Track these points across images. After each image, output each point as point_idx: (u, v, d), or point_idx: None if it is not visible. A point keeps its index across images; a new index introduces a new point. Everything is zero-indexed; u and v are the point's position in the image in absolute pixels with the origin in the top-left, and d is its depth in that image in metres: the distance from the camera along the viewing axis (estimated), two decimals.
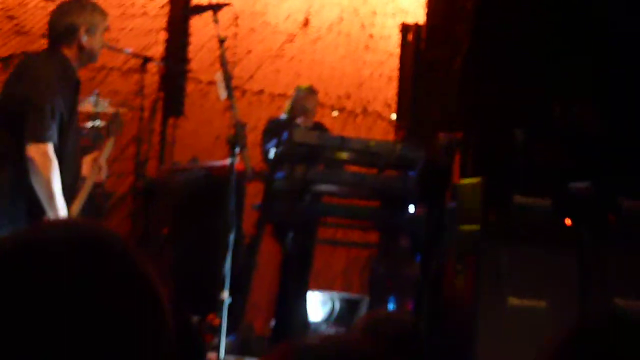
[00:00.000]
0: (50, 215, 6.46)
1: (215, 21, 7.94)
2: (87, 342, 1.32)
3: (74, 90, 6.81)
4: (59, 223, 1.68)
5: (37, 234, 1.51)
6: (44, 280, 1.41)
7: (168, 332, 1.50)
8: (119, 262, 1.43)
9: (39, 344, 1.37)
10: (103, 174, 7.19)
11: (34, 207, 6.43)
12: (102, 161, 7.10)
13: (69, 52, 6.65)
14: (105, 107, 8.85)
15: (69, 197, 6.72)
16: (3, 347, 1.37)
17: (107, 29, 7.09)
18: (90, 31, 6.70)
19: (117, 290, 1.41)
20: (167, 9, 10.40)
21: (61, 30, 6.76)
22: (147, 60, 9.14)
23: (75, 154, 6.90)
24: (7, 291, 1.36)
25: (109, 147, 7.59)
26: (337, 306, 9.96)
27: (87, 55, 6.79)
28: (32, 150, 6.48)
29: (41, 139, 6.50)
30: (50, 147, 6.49)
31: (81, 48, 6.71)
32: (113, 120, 8.37)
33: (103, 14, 6.96)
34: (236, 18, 9.42)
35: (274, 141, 8.76)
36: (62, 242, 1.46)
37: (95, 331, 1.34)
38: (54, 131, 6.54)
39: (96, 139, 8.86)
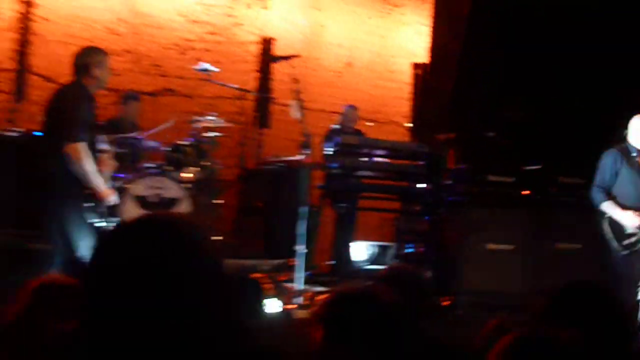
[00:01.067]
0: (92, 187, 6.71)
1: (292, 66, 8.53)
2: (171, 282, 1.66)
3: (92, 105, 7.02)
4: (162, 215, 1.88)
5: (151, 218, 1.86)
6: (155, 245, 1.75)
7: (223, 278, 1.81)
8: (189, 235, 1.74)
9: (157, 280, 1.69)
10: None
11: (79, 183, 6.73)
12: None
13: (87, 81, 6.94)
14: (221, 123, 8.85)
15: None
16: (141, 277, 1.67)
17: (109, 65, 7.18)
18: (98, 67, 6.97)
19: (185, 251, 1.73)
20: (259, 59, 10.76)
21: (80, 67, 7.01)
22: (246, 91, 9.50)
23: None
24: (138, 250, 1.68)
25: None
26: (374, 250, 10.40)
27: (98, 83, 7.05)
28: (67, 148, 6.71)
29: (73, 140, 6.79)
30: (81, 145, 6.76)
31: (94, 78, 6.99)
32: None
33: (105, 54, 7.19)
34: (302, 62, 9.96)
35: (330, 143, 9.03)
36: (164, 222, 1.80)
37: (175, 274, 1.68)
38: (84, 133, 6.85)
39: (213, 144, 9.01)
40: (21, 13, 9.98)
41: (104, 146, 7.56)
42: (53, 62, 9.98)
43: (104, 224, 7.41)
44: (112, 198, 7.05)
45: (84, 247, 6.76)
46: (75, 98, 7.02)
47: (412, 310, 3.02)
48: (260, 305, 7.14)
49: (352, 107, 10.22)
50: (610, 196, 7.23)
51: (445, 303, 8.42)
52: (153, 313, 1.71)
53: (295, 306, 7.70)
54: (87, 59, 7.09)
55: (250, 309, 6.98)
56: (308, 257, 8.13)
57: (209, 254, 1.82)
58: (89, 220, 6.96)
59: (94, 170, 6.74)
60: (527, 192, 9.18)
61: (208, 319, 1.78)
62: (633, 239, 7.14)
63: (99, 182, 6.78)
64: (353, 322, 2.70)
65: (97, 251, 1.81)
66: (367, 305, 2.74)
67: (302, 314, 7.56)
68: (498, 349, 2.26)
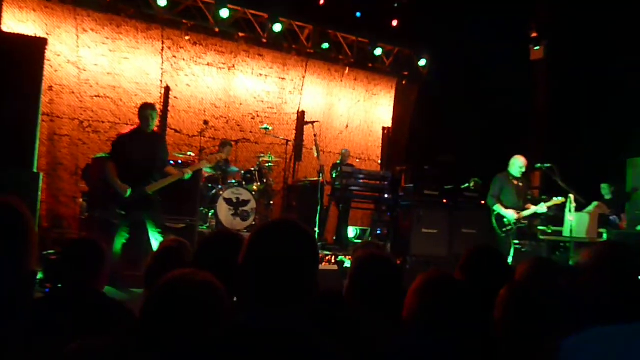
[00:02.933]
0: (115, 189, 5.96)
1: (312, 127, 8.28)
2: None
3: (141, 139, 6.22)
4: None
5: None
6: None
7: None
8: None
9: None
10: (186, 176, 6.38)
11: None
12: (188, 170, 6.43)
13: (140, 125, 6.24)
14: (273, 158, 9.02)
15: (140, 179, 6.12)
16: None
17: (152, 115, 6.33)
18: (144, 117, 6.23)
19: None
20: (296, 123, 10.74)
21: (138, 116, 6.29)
22: (288, 141, 9.38)
23: (139, 160, 6.12)
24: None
25: (200, 165, 7.10)
26: (359, 232, 10.13)
27: (144, 126, 6.23)
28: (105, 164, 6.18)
29: (107, 159, 6.29)
30: (109, 162, 6.14)
31: (142, 123, 6.18)
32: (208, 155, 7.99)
33: (151, 108, 6.39)
34: (320, 125, 9.82)
35: (334, 170, 9.18)
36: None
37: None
38: (115, 153, 6.20)
39: (269, 170, 9.10)
40: (163, 94, 10.05)
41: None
42: (180, 121, 10.18)
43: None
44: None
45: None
46: (119, 136, 6.62)
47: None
48: None
49: (347, 151, 10.18)
50: (499, 201, 7.42)
51: (399, 261, 8.31)
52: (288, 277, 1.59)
53: None
54: (141, 111, 6.42)
55: None
56: (320, 235, 8.16)
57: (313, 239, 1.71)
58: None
59: (113, 179, 6.01)
60: (445, 200, 9.11)
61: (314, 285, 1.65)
62: (509, 227, 7.39)
63: (117, 186, 6.01)
64: (370, 277, 2.53)
65: (252, 243, 1.66)
66: (380, 264, 2.59)
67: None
68: (415, 284, 2.16)
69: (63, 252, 2.89)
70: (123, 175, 6.03)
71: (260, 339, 1.50)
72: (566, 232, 7.53)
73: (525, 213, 7.36)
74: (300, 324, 1.57)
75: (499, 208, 7.42)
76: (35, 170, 6.28)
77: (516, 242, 7.57)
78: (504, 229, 7.43)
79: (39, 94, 6.71)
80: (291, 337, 1.53)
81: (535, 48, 11.07)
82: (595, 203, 8.66)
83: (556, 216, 8.08)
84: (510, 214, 7.35)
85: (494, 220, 7.50)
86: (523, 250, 7.85)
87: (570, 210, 7.43)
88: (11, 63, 6.44)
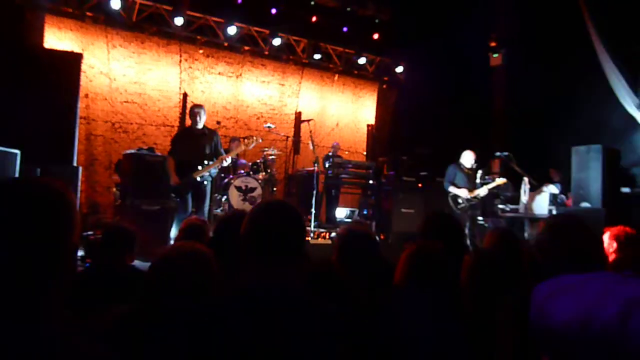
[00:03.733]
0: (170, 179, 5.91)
1: (308, 125, 8.45)
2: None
3: (188, 138, 6.18)
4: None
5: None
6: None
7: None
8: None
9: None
10: (225, 164, 6.36)
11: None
12: (226, 158, 6.28)
13: (191, 123, 6.19)
14: (276, 152, 8.90)
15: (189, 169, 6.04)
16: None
17: (199, 113, 6.22)
18: (192, 115, 6.18)
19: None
20: (294, 121, 10.63)
21: (189, 116, 6.26)
22: (287, 137, 9.31)
23: (188, 153, 6.03)
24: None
25: (233, 152, 7.10)
26: (348, 212, 10.02)
27: (193, 123, 6.18)
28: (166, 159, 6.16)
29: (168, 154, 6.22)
30: (168, 157, 6.13)
31: (192, 121, 6.15)
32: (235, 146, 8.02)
33: (198, 107, 6.29)
34: (314, 123, 9.72)
35: (327, 161, 9.05)
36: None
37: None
38: (172, 150, 6.16)
39: (272, 162, 8.84)
40: (181, 99, 9.99)
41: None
42: None
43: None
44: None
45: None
46: (176, 135, 6.67)
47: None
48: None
49: (337, 144, 10.09)
50: (453, 184, 7.47)
51: (382, 237, 8.47)
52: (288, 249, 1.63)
53: (309, 238, 7.61)
54: (192, 109, 6.38)
55: None
56: (316, 216, 8.06)
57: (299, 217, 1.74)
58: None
59: (171, 169, 6.02)
60: (420, 185, 9.23)
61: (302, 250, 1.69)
62: (462, 204, 7.43)
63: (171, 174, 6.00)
64: (353, 247, 2.53)
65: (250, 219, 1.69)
66: (360, 237, 2.60)
67: (314, 241, 7.59)
68: (403, 256, 2.19)
69: (102, 234, 2.98)
70: (178, 166, 6.04)
71: (262, 295, 1.53)
72: (522, 209, 7.61)
73: (475, 193, 7.42)
74: (294, 280, 1.60)
75: (453, 189, 7.48)
76: (75, 165, 6.32)
77: (480, 218, 7.64)
78: (459, 207, 7.46)
79: (77, 101, 6.75)
80: (287, 292, 1.55)
81: (494, 55, 11.05)
82: (546, 185, 8.69)
83: (514, 196, 8.14)
84: (462, 192, 7.41)
85: (450, 201, 7.53)
86: (486, 225, 7.93)
87: (524, 192, 7.51)
88: (53, 74, 6.48)
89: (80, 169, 6.29)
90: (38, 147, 5.26)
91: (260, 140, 7.12)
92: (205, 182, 6.19)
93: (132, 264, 2.95)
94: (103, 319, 1.67)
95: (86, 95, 9.04)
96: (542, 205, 7.66)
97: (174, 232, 5.91)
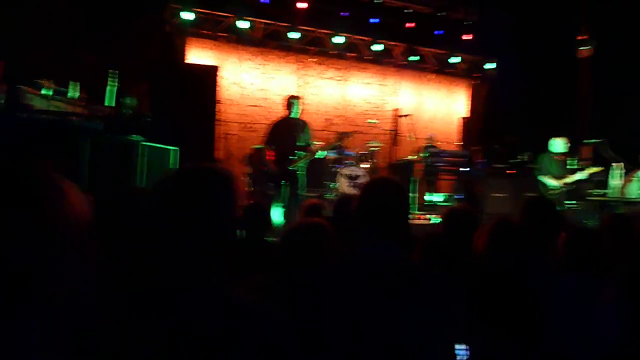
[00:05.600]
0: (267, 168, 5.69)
1: (407, 119, 8.30)
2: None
3: (283, 127, 5.79)
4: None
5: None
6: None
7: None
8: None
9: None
10: (317, 155, 6.08)
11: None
12: (315, 149, 6.00)
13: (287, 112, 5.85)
14: (379, 144, 8.87)
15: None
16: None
17: (294, 103, 5.87)
18: (289, 104, 5.91)
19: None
20: (393, 117, 9.96)
21: (286, 106, 5.92)
22: (390, 130, 8.69)
23: (282, 141, 5.66)
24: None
25: (328, 147, 6.85)
26: (445, 197, 9.41)
27: (289, 112, 5.82)
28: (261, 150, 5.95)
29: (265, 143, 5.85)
30: (264, 148, 5.86)
31: (288, 110, 5.87)
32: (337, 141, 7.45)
33: (293, 97, 5.99)
34: (412, 117, 9.07)
35: (424, 151, 8.89)
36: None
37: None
38: (269, 139, 5.77)
39: (375, 152, 8.86)
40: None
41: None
42: (309, 121, 10.26)
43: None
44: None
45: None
46: (271, 126, 6.20)
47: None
48: None
49: (433, 135, 9.73)
50: (544, 173, 7.08)
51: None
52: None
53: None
54: (289, 99, 6.07)
55: None
56: (415, 199, 8.01)
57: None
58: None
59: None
60: (512, 171, 8.82)
61: (406, 224, 1.64)
62: (553, 193, 7.00)
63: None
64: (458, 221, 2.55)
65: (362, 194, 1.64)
66: (464, 213, 2.68)
67: (413, 222, 7.32)
68: (484, 229, 2.14)
69: (243, 211, 3.13)
70: (275, 155, 5.78)
71: (369, 264, 1.51)
72: (612, 194, 7.03)
73: (568, 180, 6.96)
74: (398, 251, 1.55)
75: (542, 178, 7.11)
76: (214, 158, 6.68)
77: (568, 202, 7.15)
78: (550, 192, 7.04)
79: (214, 106, 7.15)
80: (391, 261, 1.52)
81: (582, 48, 10.23)
82: (637, 170, 7.96)
83: (600, 181, 7.55)
84: (552, 182, 6.99)
85: (541, 188, 7.16)
86: (576, 209, 7.41)
87: (620, 176, 6.94)
88: (195, 84, 6.93)
89: (218, 162, 6.68)
90: (187, 144, 5.37)
91: (350, 135, 7.12)
92: (298, 172, 5.91)
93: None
94: (250, 284, 1.68)
95: (219, 102, 9.36)
96: (635, 190, 7.05)
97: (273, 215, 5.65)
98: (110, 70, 4.84)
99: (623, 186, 7.10)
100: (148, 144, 4.42)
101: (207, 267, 1.03)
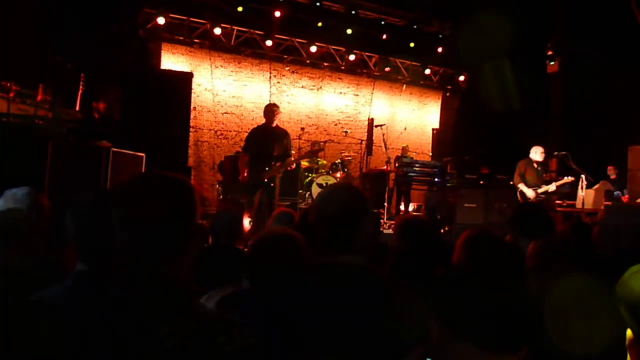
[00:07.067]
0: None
1: (380, 129, 8.27)
2: None
3: (262, 135, 5.62)
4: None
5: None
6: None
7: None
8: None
9: None
10: (289, 168, 5.61)
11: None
12: (290, 163, 5.58)
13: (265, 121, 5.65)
14: (351, 154, 9.02)
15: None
16: None
17: (274, 111, 5.66)
18: (268, 112, 5.69)
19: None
20: (367, 127, 9.94)
21: (264, 114, 5.77)
22: (362, 140, 8.86)
23: (259, 148, 5.49)
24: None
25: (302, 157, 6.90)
26: (416, 206, 9.66)
27: (267, 121, 5.65)
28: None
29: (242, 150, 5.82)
30: (240, 155, 5.78)
31: (267, 118, 5.67)
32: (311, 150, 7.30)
33: (272, 106, 5.77)
34: (386, 127, 9.27)
35: (397, 161, 8.80)
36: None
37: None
38: (246, 145, 5.68)
39: (349, 162, 8.85)
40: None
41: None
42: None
43: None
44: None
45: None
46: (250, 133, 6.01)
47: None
48: None
49: (406, 146, 9.98)
50: (523, 180, 7.06)
51: (447, 229, 8.05)
52: None
53: (382, 229, 7.31)
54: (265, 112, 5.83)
55: None
56: (388, 209, 7.99)
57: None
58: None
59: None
60: (482, 182, 8.83)
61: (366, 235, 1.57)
62: (530, 200, 7.05)
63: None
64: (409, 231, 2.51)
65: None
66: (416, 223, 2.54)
67: (387, 232, 7.09)
68: (460, 238, 2.05)
69: (212, 219, 3.04)
70: (250, 162, 5.57)
71: (330, 270, 1.49)
72: (578, 204, 7.22)
73: (540, 190, 7.00)
74: (352, 258, 1.49)
75: (522, 186, 7.09)
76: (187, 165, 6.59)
77: None
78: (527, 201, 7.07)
79: (189, 113, 7.03)
80: (351, 268, 1.49)
81: (551, 63, 10.52)
82: (601, 182, 8.21)
83: (571, 193, 7.72)
84: (529, 192, 7.01)
85: (518, 195, 7.15)
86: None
87: (582, 188, 7.11)
88: (169, 91, 6.79)
89: (191, 168, 6.58)
90: (158, 151, 5.25)
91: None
92: (272, 184, 5.65)
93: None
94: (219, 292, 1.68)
95: (194, 108, 9.39)
96: (597, 200, 7.24)
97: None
98: (82, 75, 4.73)
99: (586, 197, 7.26)
100: (116, 149, 4.34)
101: (161, 273, 1.04)
